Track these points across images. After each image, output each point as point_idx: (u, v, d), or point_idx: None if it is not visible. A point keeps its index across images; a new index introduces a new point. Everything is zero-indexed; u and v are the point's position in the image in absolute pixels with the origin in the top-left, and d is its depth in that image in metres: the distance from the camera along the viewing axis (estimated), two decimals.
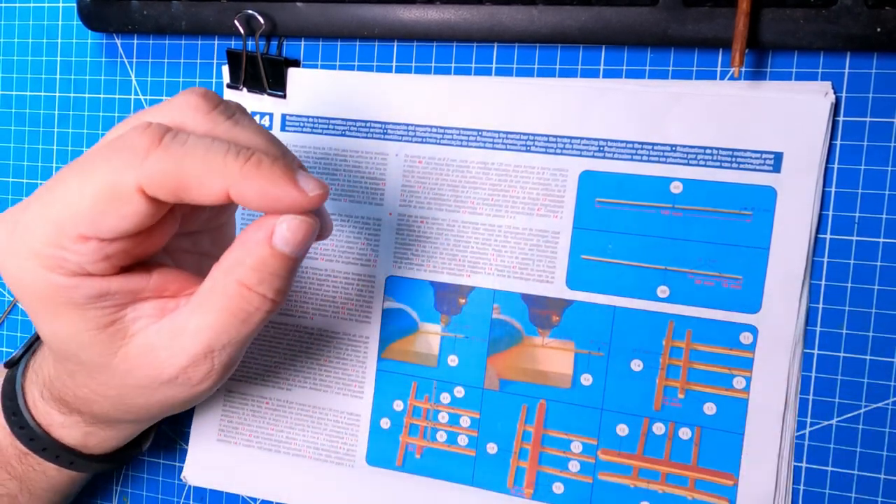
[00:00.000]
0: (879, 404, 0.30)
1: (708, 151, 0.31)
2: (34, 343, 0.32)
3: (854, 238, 0.30)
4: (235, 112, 0.24)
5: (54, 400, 0.29)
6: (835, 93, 0.30)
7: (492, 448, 0.34)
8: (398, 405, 0.35)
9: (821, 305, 0.31)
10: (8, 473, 0.31)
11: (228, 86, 0.36)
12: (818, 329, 0.31)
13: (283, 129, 0.36)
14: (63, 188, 0.22)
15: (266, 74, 0.36)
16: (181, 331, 0.24)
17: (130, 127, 0.22)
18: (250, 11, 0.34)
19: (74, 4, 0.39)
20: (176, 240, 0.27)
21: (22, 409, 0.30)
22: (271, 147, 0.23)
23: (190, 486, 0.39)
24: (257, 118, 0.37)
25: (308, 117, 0.36)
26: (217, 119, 0.23)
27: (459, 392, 0.34)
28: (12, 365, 0.32)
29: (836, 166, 0.30)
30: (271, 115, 0.36)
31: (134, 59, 0.39)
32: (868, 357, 0.30)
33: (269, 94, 0.36)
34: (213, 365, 0.25)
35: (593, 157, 0.32)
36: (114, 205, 0.21)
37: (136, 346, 0.24)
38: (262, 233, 0.23)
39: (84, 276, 0.23)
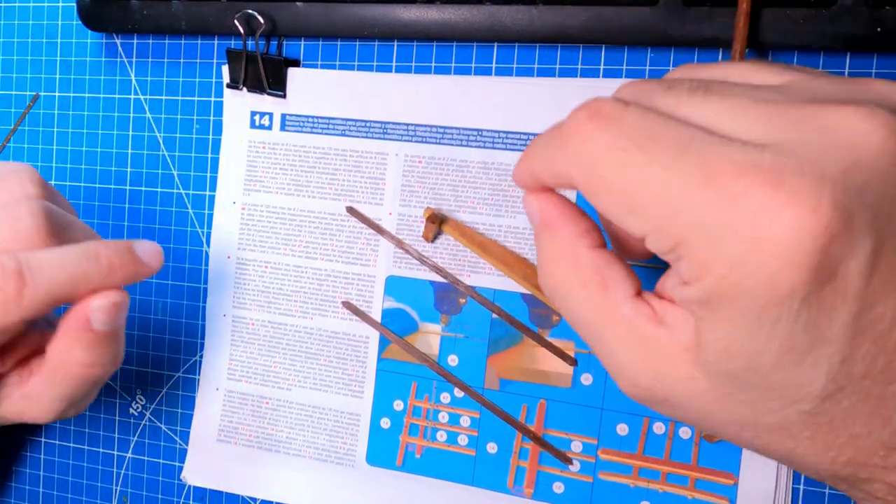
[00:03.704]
0: None
1: None
2: None
3: None
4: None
5: None
6: None
7: (492, 448, 0.34)
8: (398, 405, 0.35)
9: None
10: None
11: (228, 85, 0.36)
12: None
13: (283, 128, 0.36)
14: None
15: (266, 74, 0.36)
16: (40, 399, 0.27)
17: None
18: (250, 11, 0.34)
19: (74, 4, 0.39)
20: None
21: None
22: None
23: (190, 486, 0.39)
24: (258, 118, 0.37)
25: (308, 117, 0.36)
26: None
27: (459, 392, 0.34)
28: None
29: None
30: (271, 115, 0.36)
31: (134, 59, 0.39)
32: None
33: (269, 94, 0.36)
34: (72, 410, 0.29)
35: None
36: None
37: (7, 412, 0.28)
38: (79, 320, 0.25)
39: None
